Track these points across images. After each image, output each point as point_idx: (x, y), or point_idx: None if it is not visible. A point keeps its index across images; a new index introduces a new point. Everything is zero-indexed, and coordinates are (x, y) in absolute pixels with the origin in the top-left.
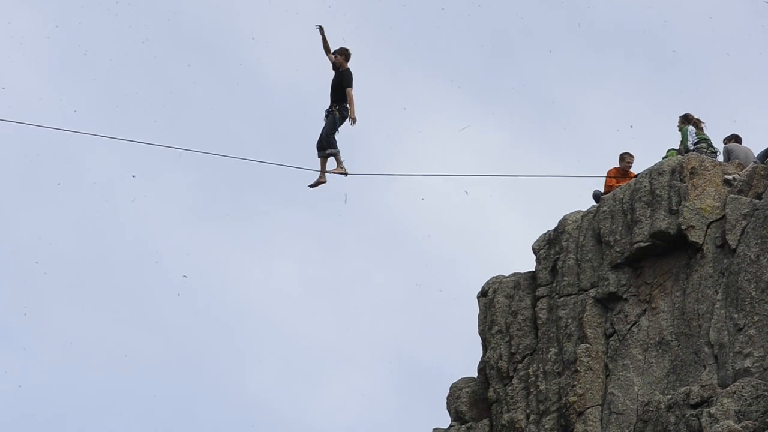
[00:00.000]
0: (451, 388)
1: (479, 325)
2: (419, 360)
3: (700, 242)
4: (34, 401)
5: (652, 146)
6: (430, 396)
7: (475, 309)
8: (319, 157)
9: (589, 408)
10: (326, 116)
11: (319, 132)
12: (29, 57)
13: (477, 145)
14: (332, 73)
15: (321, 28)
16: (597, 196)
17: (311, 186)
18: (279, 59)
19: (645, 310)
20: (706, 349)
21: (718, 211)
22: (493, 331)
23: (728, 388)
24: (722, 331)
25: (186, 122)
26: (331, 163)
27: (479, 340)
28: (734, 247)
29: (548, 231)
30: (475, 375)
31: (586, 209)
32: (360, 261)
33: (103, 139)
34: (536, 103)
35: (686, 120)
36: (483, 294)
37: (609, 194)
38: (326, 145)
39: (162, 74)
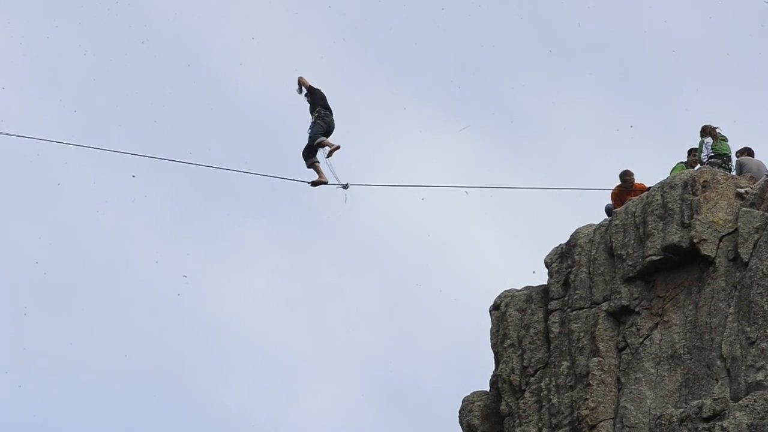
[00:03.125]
0: (463, 401)
1: (491, 339)
2: (395, 372)
3: (713, 256)
4: (34, 401)
5: (636, 153)
6: (406, 408)
7: (452, 320)
8: (307, 167)
9: (601, 421)
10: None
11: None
12: (29, 57)
13: (448, 156)
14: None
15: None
16: (609, 210)
17: (312, 184)
18: (278, 60)
19: (657, 324)
20: (718, 363)
21: (730, 225)
22: (505, 345)
23: (741, 402)
24: (735, 344)
25: (180, 127)
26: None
27: (456, 350)
28: (746, 260)
29: (560, 244)
30: (458, 383)
31: (598, 223)
32: (333, 273)
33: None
34: (507, 115)
35: (703, 132)
36: (495, 307)
37: (621, 208)
38: (306, 159)
39: (161, 76)
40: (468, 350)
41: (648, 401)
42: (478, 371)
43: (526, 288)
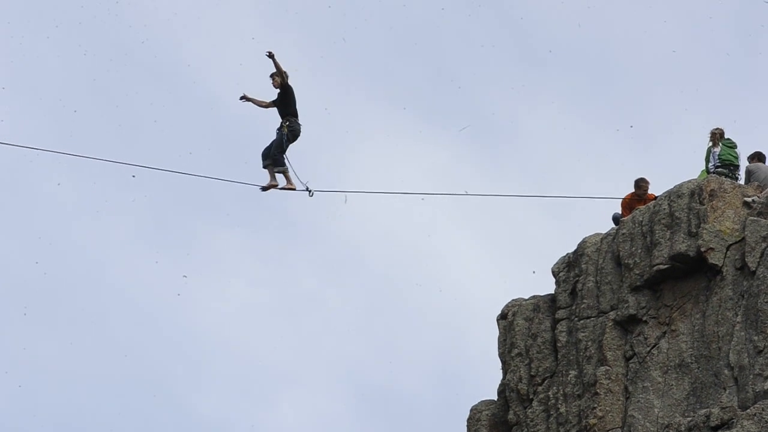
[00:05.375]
0: (471, 410)
1: (499, 348)
2: (375, 380)
3: (720, 264)
4: (34, 401)
5: (633, 157)
6: (387, 417)
7: (430, 328)
8: (264, 167)
9: (609, 430)
10: (278, 132)
11: (268, 143)
12: (29, 57)
13: (424, 163)
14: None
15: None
16: (616, 219)
17: (263, 189)
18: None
19: (665, 333)
20: (726, 372)
21: (737, 234)
22: (512, 354)
23: (748, 411)
24: (742, 353)
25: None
26: (284, 182)
27: (438, 359)
28: (754, 269)
29: (568, 253)
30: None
31: (605, 232)
32: (312, 281)
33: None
34: (485, 121)
35: (712, 137)
36: (503, 317)
37: (628, 217)
38: (274, 164)
39: (161, 76)
40: (449, 358)
41: (656, 410)
42: (463, 379)
43: (534, 297)
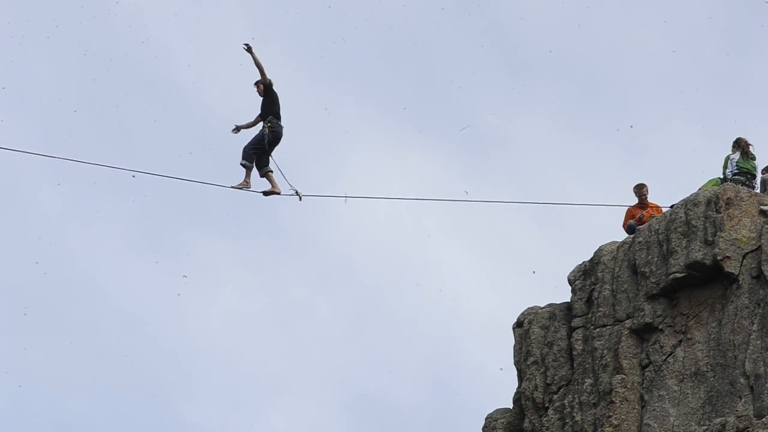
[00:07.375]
0: (486, 418)
1: (514, 356)
2: (368, 389)
3: (736, 273)
4: (34, 401)
5: (630, 160)
6: (378, 426)
7: (421, 336)
8: (261, 176)
9: None
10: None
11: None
12: (29, 57)
13: (416, 171)
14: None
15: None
16: (632, 228)
17: (265, 194)
18: (279, 59)
19: (681, 341)
20: (741, 380)
21: (753, 242)
22: (528, 362)
23: (764, 419)
24: (758, 361)
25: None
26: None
27: (430, 367)
28: None
29: (584, 262)
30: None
31: (621, 240)
32: (303, 289)
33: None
34: (481, 126)
35: (736, 145)
36: (518, 325)
37: (644, 225)
38: (243, 156)
39: (161, 76)
40: (443, 367)
41: (671, 419)
42: (457, 388)
43: (550, 305)
